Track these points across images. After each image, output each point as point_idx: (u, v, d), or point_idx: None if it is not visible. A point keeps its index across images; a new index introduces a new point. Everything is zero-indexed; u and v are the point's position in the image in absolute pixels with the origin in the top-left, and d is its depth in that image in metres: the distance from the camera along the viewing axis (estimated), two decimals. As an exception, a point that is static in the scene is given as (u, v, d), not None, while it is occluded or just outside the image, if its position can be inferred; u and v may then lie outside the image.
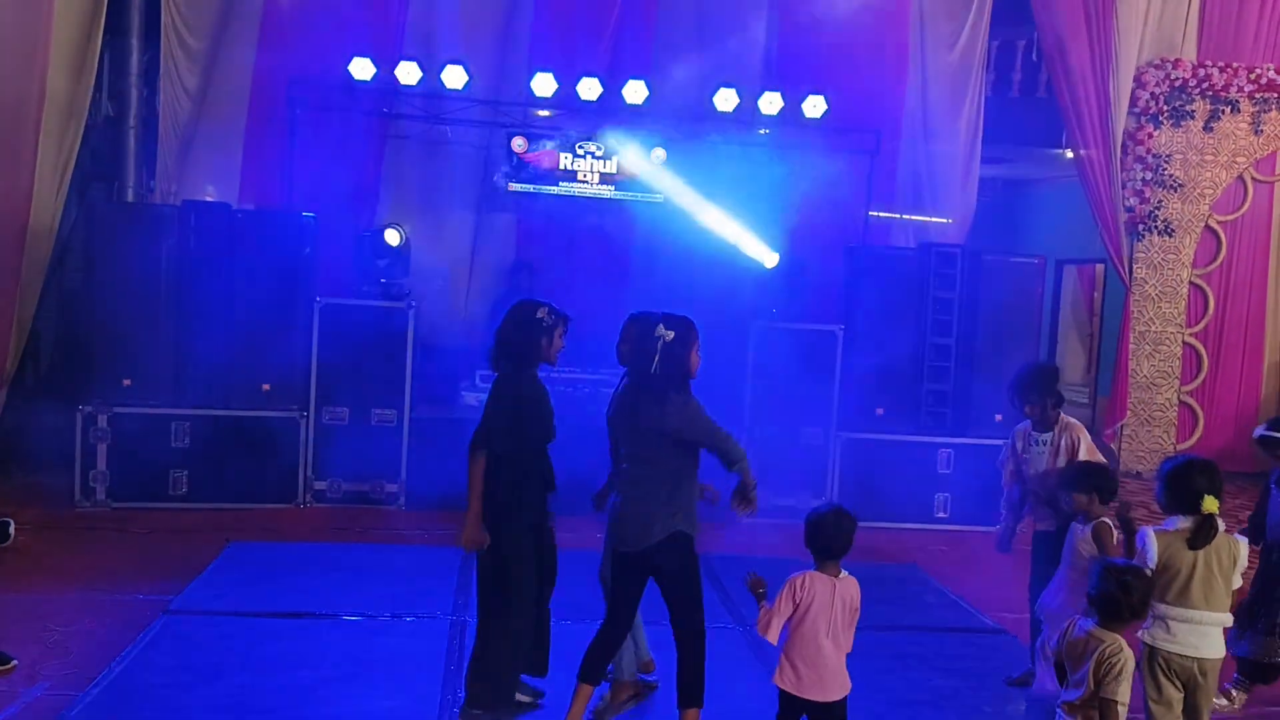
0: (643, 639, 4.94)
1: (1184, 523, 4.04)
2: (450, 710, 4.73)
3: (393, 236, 8.37)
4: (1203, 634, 4.01)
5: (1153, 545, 4.01)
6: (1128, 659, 3.59)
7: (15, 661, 4.96)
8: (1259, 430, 5.28)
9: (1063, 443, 5.05)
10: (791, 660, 3.91)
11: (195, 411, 7.92)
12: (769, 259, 8.99)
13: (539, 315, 4.57)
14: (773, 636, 3.88)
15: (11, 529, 5.08)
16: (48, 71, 8.11)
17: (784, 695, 3.95)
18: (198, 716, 4.55)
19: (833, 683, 3.88)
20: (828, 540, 3.91)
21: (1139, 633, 4.06)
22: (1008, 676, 5.34)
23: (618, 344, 4.75)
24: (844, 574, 3.95)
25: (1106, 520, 4.55)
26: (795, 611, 3.87)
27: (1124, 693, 3.56)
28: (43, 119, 8.17)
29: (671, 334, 4.28)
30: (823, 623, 3.87)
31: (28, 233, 8.26)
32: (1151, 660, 4.03)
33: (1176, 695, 3.99)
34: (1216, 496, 4.01)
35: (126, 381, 7.85)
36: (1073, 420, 5.17)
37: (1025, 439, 5.24)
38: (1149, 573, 3.94)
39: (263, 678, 4.97)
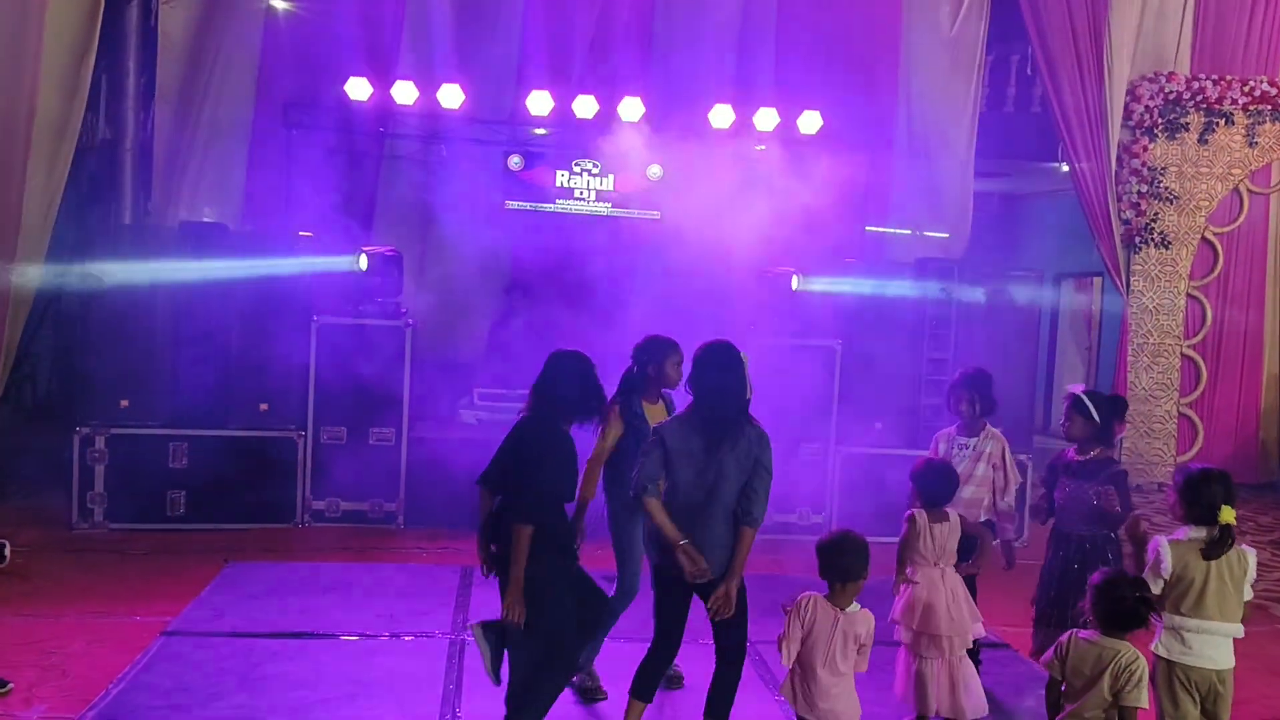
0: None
1: (1195, 532, 4.02)
2: (450, 729, 4.71)
3: (364, 260, 8.32)
4: (1218, 645, 3.99)
5: (1168, 555, 3.98)
6: (1144, 665, 3.65)
7: (11, 685, 4.92)
8: (1077, 389, 5.19)
9: (988, 449, 5.31)
10: (795, 677, 3.99)
11: (193, 432, 7.90)
12: (770, 274, 8.98)
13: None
14: (785, 660, 3.96)
15: (7, 550, 5.06)
16: (37, 90, 8.05)
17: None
18: (195, 739, 4.52)
19: (825, 706, 3.91)
20: (832, 563, 3.95)
21: (1152, 646, 4.03)
22: None
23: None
24: (856, 608, 3.96)
25: (913, 512, 4.73)
26: (802, 631, 3.95)
27: (1145, 699, 3.63)
28: (32, 139, 8.12)
29: (748, 358, 4.30)
30: (819, 651, 3.91)
31: (16, 255, 8.12)
32: (1169, 674, 3.99)
33: (1194, 710, 3.96)
34: (1232, 506, 3.99)
35: (124, 402, 7.85)
36: (997, 431, 5.40)
37: (949, 443, 5.43)
38: (1162, 583, 3.94)
39: (261, 698, 4.94)
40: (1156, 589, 3.96)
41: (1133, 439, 11.20)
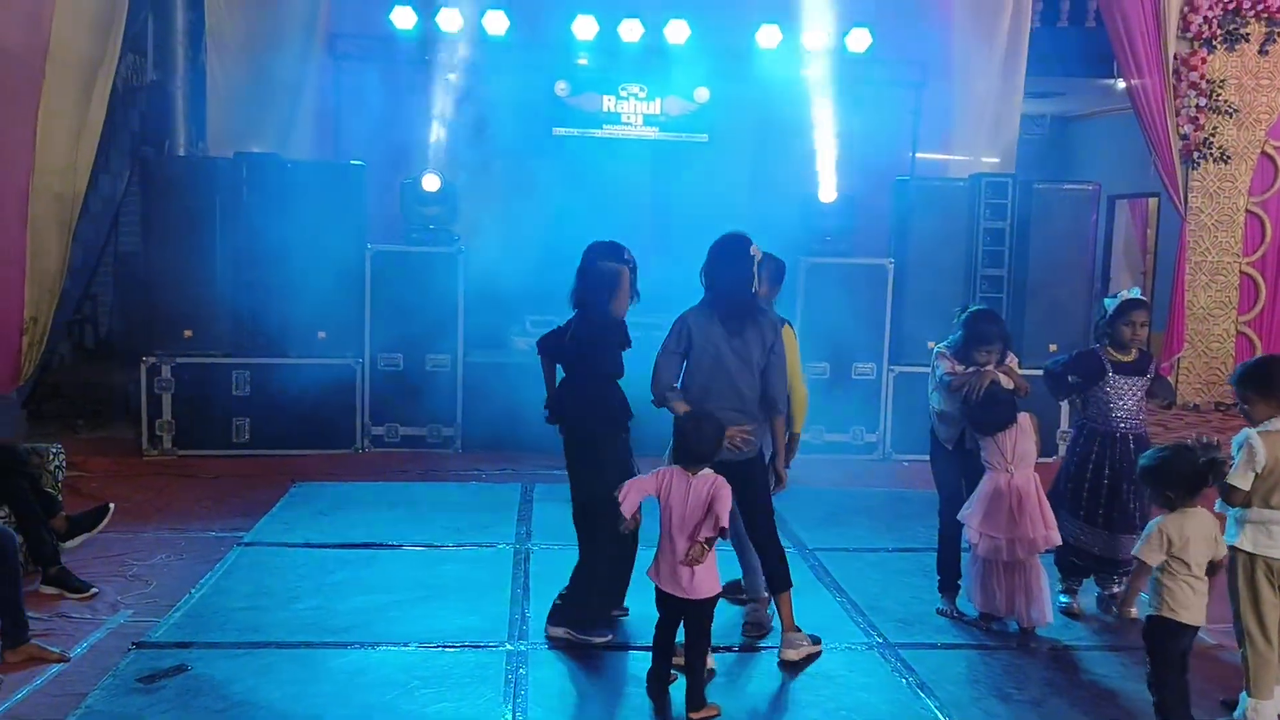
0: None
1: (1277, 423, 3.92)
2: (519, 627, 4.82)
3: (431, 182, 8.38)
4: None
5: (1260, 446, 3.88)
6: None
7: (96, 589, 5.12)
8: (1135, 293, 5.23)
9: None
10: (657, 556, 4.11)
11: (254, 360, 8.04)
12: (819, 194, 8.89)
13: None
14: (626, 509, 3.99)
15: (111, 509, 5.48)
16: (51, 25, 7.87)
17: (658, 592, 4.14)
18: (277, 635, 4.67)
19: (678, 579, 4.02)
20: (691, 447, 4.08)
21: (1231, 541, 3.98)
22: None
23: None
24: (704, 470, 4.09)
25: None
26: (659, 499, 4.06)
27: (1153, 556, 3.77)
28: (45, 73, 7.73)
29: (761, 254, 4.46)
30: (675, 516, 4.01)
31: (32, 187, 7.76)
32: (1252, 567, 3.94)
33: (1274, 596, 3.93)
34: None
35: (187, 333, 7.99)
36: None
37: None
38: (1253, 476, 3.89)
39: (337, 601, 5.09)
40: (1247, 484, 3.88)
41: (1190, 359, 11.04)
